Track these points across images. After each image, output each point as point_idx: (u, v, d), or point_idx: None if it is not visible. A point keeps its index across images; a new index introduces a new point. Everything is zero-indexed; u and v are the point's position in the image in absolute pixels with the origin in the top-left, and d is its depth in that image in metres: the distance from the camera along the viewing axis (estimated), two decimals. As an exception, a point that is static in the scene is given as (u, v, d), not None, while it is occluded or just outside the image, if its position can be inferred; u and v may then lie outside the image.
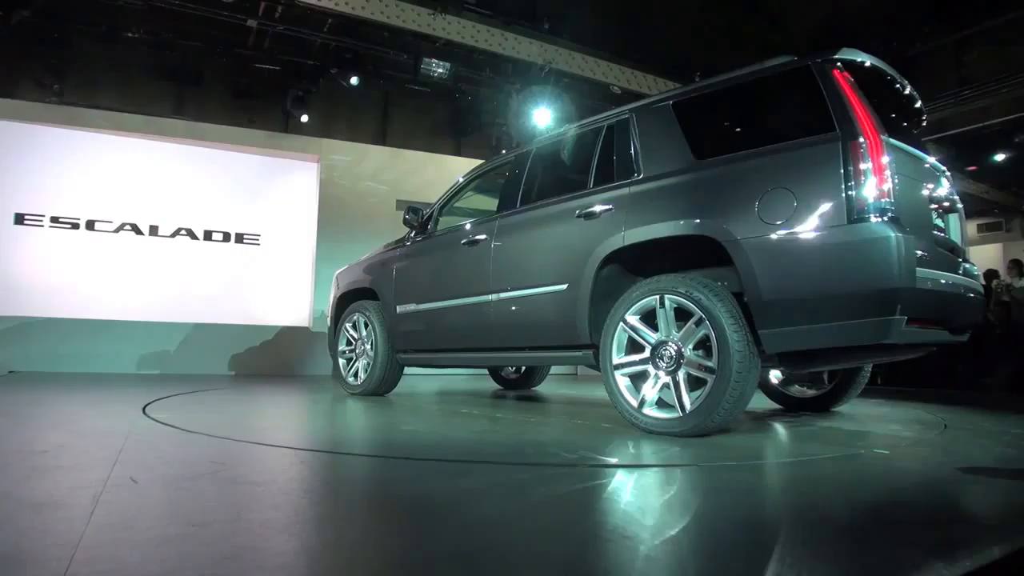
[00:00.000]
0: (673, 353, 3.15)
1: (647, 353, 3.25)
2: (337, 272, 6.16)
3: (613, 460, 2.68)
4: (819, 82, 3.07)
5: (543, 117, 9.38)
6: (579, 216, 3.76)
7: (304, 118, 10.18)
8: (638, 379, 3.30)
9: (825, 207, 2.86)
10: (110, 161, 9.20)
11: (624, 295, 3.40)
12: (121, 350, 8.53)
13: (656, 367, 3.21)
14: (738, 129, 3.57)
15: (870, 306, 2.71)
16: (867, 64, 3.33)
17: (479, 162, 5.60)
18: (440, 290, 4.74)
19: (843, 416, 4.18)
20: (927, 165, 3.35)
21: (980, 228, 14.61)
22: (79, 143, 9.05)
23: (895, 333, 2.69)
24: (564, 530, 1.62)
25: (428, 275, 4.94)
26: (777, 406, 4.57)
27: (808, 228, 2.89)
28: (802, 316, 2.87)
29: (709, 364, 3.01)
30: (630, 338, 3.35)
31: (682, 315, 3.15)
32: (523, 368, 6.58)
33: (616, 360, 3.37)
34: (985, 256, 13.07)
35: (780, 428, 3.66)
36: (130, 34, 8.95)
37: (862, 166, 2.81)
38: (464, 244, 4.55)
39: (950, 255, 3.26)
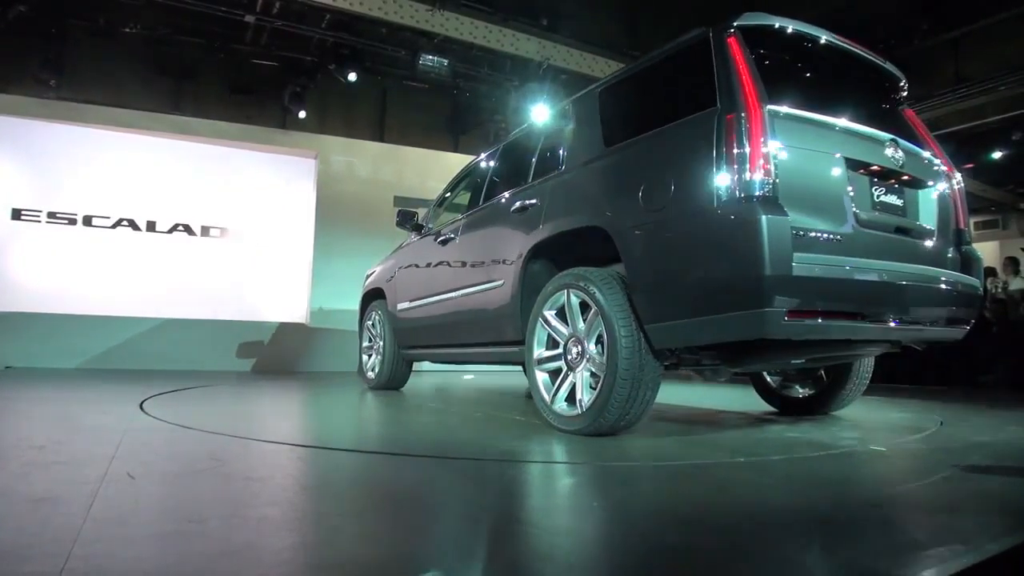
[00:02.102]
0: (579, 349, 3.06)
1: (560, 349, 3.19)
2: (367, 271, 6.27)
3: (513, 458, 2.67)
4: (712, 53, 2.83)
5: (541, 113, 9.36)
6: (513, 212, 3.79)
7: (302, 114, 10.17)
8: (555, 375, 3.22)
9: (698, 190, 2.65)
10: (107, 157, 9.19)
11: (543, 290, 3.35)
12: (118, 346, 8.52)
13: (567, 363, 3.13)
14: (642, 113, 3.28)
15: (742, 298, 2.47)
16: (780, 28, 3.02)
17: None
18: (422, 288, 4.92)
19: (837, 416, 3.98)
20: (864, 135, 2.94)
21: (977, 226, 14.61)
22: (76, 139, 9.03)
23: (773, 327, 2.43)
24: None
25: (415, 274, 5.13)
26: (772, 408, 4.23)
27: (682, 215, 2.71)
28: (681, 310, 2.69)
29: (603, 360, 2.90)
30: (548, 334, 3.29)
31: (588, 310, 3.05)
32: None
33: (536, 355, 3.33)
34: (982, 254, 13.08)
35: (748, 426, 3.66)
36: (127, 29, 8.93)
37: (734, 142, 2.56)
38: (439, 243, 4.71)
39: (900, 238, 2.94)
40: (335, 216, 9.95)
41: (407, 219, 5.33)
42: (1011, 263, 9.13)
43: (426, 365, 6.48)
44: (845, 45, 3.24)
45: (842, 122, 2.89)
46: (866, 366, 3.87)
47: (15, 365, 7.91)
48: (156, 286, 9.20)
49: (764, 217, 2.42)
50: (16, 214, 8.78)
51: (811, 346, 2.90)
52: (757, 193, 2.49)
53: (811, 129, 2.77)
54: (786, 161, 2.59)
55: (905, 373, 7.81)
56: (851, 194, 2.76)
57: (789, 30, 3.05)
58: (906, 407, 4.82)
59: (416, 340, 5.15)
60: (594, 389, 2.94)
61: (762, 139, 2.54)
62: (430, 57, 9.31)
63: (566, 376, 3.13)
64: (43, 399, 4.67)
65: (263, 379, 7.34)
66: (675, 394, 5.55)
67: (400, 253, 5.53)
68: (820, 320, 2.55)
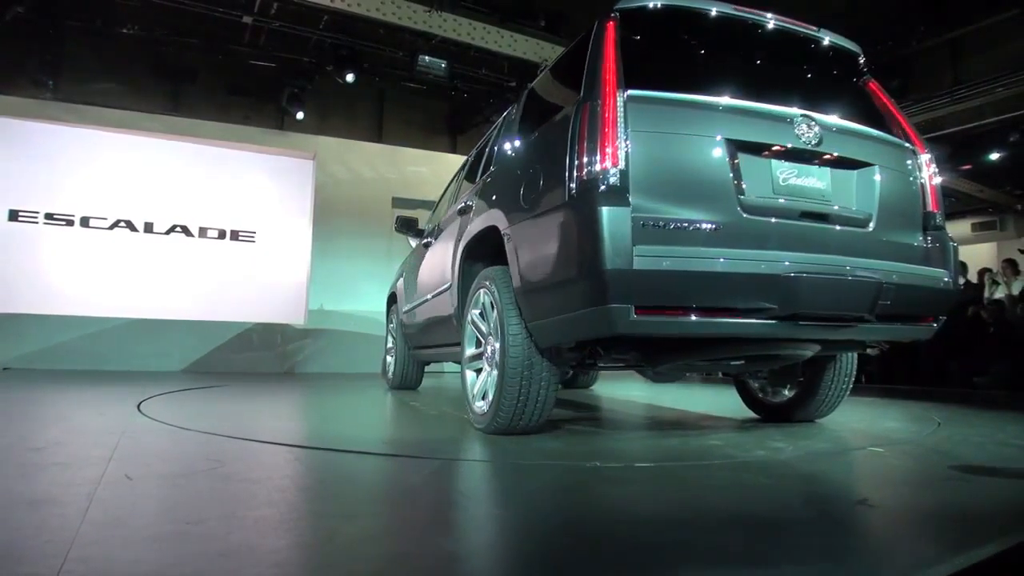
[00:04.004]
0: (492, 348, 3.03)
1: (482, 348, 3.16)
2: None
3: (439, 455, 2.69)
4: (590, 42, 2.72)
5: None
6: (458, 214, 3.83)
7: (299, 115, 10.17)
8: (479, 374, 3.17)
9: (557, 185, 2.57)
10: (105, 158, 9.18)
11: (470, 291, 3.34)
12: (115, 347, 8.52)
13: (486, 362, 3.10)
14: (544, 109, 3.16)
15: (589, 294, 2.36)
16: (663, 7, 2.82)
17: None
18: (413, 291, 5.09)
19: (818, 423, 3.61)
20: (764, 114, 2.66)
21: (974, 227, 14.65)
22: (73, 139, 9.03)
23: (622, 324, 2.30)
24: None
25: (410, 277, 5.29)
26: (755, 415, 3.87)
27: (544, 211, 2.65)
28: (547, 308, 2.63)
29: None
30: (475, 333, 3.27)
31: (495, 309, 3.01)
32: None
33: (466, 354, 3.33)
34: (980, 255, 13.12)
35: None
36: (125, 30, 8.92)
37: (584, 133, 2.45)
38: (424, 247, 4.89)
39: (814, 225, 2.64)
40: (333, 217, 9.95)
41: (404, 225, 5.49)
42: (1010, 265, 9.14)
43: (450, 365, 6.60)
44: (757, 18, 2.95)
45: (728, 101, 2.63)
46: (845, 370, 3.42)
47: (13, 367, 7.89)
48: (153, 288, 9.19)
49: (601, 209, 2.29)
50: (13, 215, 8.77)
51: (713, 345, 2.76)
52: (603, 184, 2.36)
53: (684, 112, 2.57)
54: (647, 149, 2.44)
55: (903, 374, 7.82)
56: (737, 179, 2.52)
57: (673, 7, 2.85)
58: (900, 413, 4.82)
59: (415, 341, 5.31)
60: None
61: (611, 127, 2.40)
62: (428, 58, 9.31)
63: (486, 375, 3.09)
64: (41, 400, 4.66)
65: (261, 380, 7.33)
66: (678, 397, 5.55)
67: (408, 257, 5.76)
68: (679, 317, 2.39)
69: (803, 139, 2.64)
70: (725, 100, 2.63)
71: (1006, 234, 14.35)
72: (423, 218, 5.85)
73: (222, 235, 9.78)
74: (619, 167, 2.37)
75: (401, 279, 5.74)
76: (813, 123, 2.67)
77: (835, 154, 2.71)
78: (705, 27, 2.93)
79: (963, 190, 12.93)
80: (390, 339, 6.14)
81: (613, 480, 2.19)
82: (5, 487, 1.87)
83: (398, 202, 10.06)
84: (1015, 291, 8.73)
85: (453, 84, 10.36)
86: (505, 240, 2.94)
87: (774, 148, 2.62)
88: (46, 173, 8.90)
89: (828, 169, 2.72)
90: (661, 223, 2.35)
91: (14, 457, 2.32)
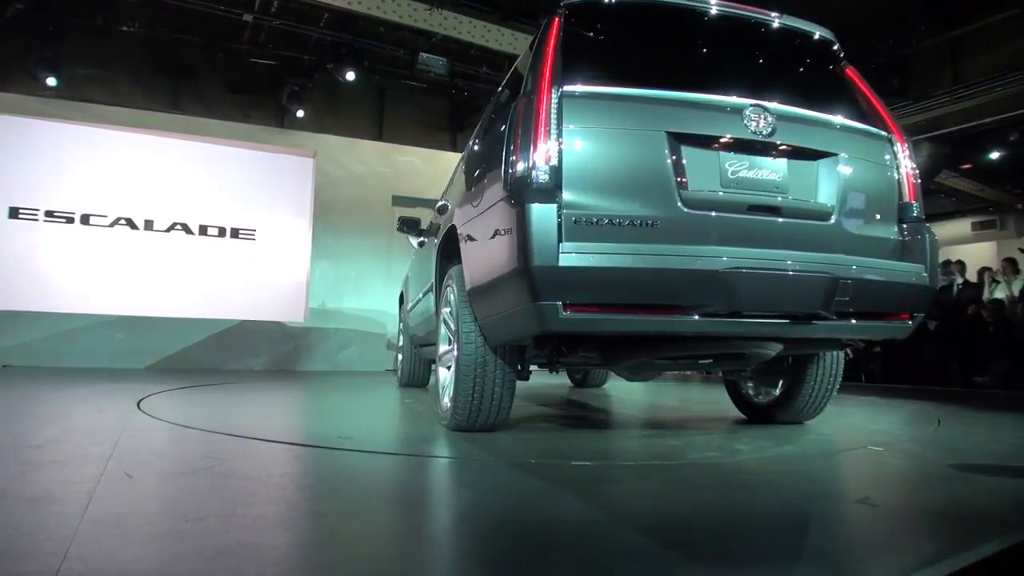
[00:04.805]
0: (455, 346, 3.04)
1: (451, 345, 3.15)
2: None
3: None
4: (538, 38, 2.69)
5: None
6: (438, 212, 3.92)
7: (300, 113, 10.16)
8: (449, 371, 3.15)
9: (496, 181, 2.55)
10: (105, 156, 9.17)
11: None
12: (115, 345, 8.52)
13: (453, 360, 3.07)
14: (503, 107, 3.06)
15: (519, 292, 2.33)
16: (616, 1, 2.77)
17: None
18: (412, 291, 5.19)
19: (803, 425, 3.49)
20: (710, 105, 2.58)
21: (974, 226, 14.65)
22: (74, 137, 9.02)
23: (552, 321, 2.27)
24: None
25: (411, 277, 5.41)
26: (742, 416, 3.78)
27: (485, 208, 2.65)
28: (491, 305, 2.61)
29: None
30: (446, 331, 3.28)
31: None
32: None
33: (439, 352, 3.34)
34: (980, 254, 13.12)
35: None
36: (125, 28, 8.92)
37: (519, 130, 2.43)
38: (419, 247, 4.92)
39: (765, 219, 2.54)
40: (333, 215, 9.95)
41: (406, 224, 5.41)
42: (1010, 264, 9.14)
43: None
44: (709, 7, 2.86)
45: (670, 94, 2.55)
46: (829, 371, 3.27)
47: (12, 364, 7.89)
48: (153, 285, 9.18)
49: (527, 206, 2.27)
50: (14, 212, 8.76)
51: (662, 344, 2.72)
52: (532, 181, 2.34)
53: (623, 107, 2.51)
54: (584, 145, 2.42)
55: (903, 373, 7.83)
56: (678, 173, 2.44)
57: (623, 1, 2.80)
58: (900, 412, 4.82)
59: (416, 340, 5.40)
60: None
61: (544, 124, 2.37)
62: (428, 56, 9.30)
63: (451, 373, 3.09)
64: (40, 398, 4.66)
65: (261, 378, 7.33)
66: (679, 397, 5.55)
67: (414, 256, 5.80)
68: (611, 314, 2.34)
69: (753, 130, 2.54)
70: (667, 93, 2.55)
71: (1006, 233, 14.34)
72: (425, 217, 5.82)
73: (222, 233, 9.77)
74: (550, 164, 2.35)
75: (406, 278, 5.89)
76: (765, 113, 2.56)
77: (791, 144, 2.60)
78: (657, 19, 2.86)
79: (963, 189, 12.93)
80: (401, 337, 6.23)
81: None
82: (4, 485, 1.87)
83: (398, 200, 10.05)
84: (1015, 290, 8.73)
85: (453, 82, 10.36)
86: (459, 238, 2.97)
87: (722, 140, 2.54)
88: (46, 170, 8.89)
89: (785, 160, 2.61)
90: (595, 219, 2.33)
91: (14, 455, 2.32)
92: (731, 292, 2.36)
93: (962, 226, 14.73)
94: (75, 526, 1.44)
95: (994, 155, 10.48)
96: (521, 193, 2.35)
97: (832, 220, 2.63)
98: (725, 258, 2.36)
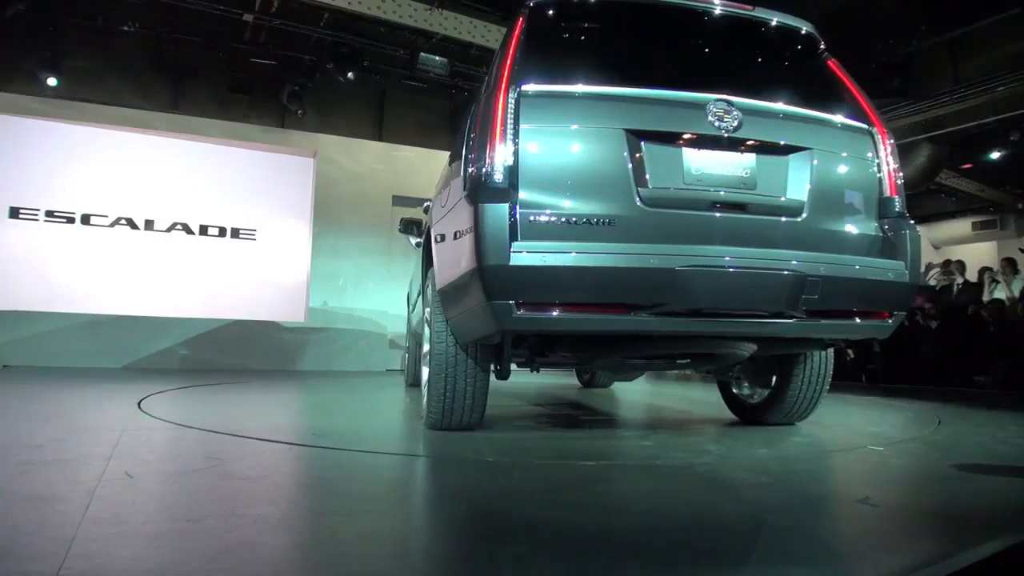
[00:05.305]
0: None
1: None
2: None
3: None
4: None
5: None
6: (423, 212, 3.87)
7: (300, 113, 10.16)
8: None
9: (459, 182, 2.56)
10: (105, 155, 9.16)
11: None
12: (116, 345, 8.50)
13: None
14: None
15: (474, 291, 2.33)
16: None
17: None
18: (412, 292, 5.20)
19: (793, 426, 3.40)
20: (672, 101, 2.54)
21: (975, 226, 14.66)
22: (74, 137, 9.01)
23: (506, 320, 2.28)
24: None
25: (412, 278, 5.43)
26: (734, 416, 3.70)
27: (449, 208, 2.67)
28: (455, 304, 2.62)
29: None
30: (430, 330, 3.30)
31: None
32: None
33: (423, 351, 3.33)
34: (980, 254, 13.13)
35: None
36: (125, 28, 8.92)
37: (478, 130, 2.43)
38: (417, 247, 4.90)
39: (728, 215, 2.48)
40: (333, 215, 9.94)
41: (407, 225, 5.45)
42: (1009, 264, 9.14)
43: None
44: (676, 1, 2.82)
45: (630, 91, 2.52)
46: (817, 371, 3.19)
47: (13, 364, 7.89)
48: (154, 285, 9.18)
49: (479, 206, 2.27)
50: (14, 212, 8.75)
51: (625, 343, 2.72)
52: (486, 180, 2.34)
53: (581, 105, 2.49)
54: (541, 143, 2.40)
55: (904, 373, 7.82)
56: (637, 170, 2.41)
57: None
58: (901, 411, 4.82)
59: (417, 339, 5.31)
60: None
61: (500, 123, 2.36)
62: (428, 56, 9.30)
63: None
64: (41, 398, 4.66)
65: (262, 378, 7.32)
66: (680, 397, 5.55)
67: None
68: (564, 313, 2.32)
69: (718, 126, 2.48)
70: (625, 90, 2.52)
71: (1006, 233, 14.35)
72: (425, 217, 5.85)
73: (223, 233, 9.76)
74: (506, 163, 2.34)
75: (411, 279, 5.89)
76: (730, 108, 2.50)
77: (758, 139, 2.54)
78: (625, 17, 2.84)
79: (963, 189, 12.94)
80: (409, 337, 6.25)
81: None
82: (6, 484, 1.87)
83: (398, 200, 10.04)
84: (1015, 290, 8.73)
85: (454, 82, 10.35)
86: (432, 238, 3.00)
87: (685, 136, 2.50)
88: (46, 170, 8.88)
89: (753, 155, 2.55)
90: (551, 219, 2.32)
91: (15, 454, 2.32)
92: (688, 291, 2.33)
93: (962, 226, 14.74)
94: (76, 525, 1.44)
95: (994, 155, 10.49)
96: (476, 193, 2.35)
97: (803, 216, 2.56)
98: (682, 256, 2.34)
